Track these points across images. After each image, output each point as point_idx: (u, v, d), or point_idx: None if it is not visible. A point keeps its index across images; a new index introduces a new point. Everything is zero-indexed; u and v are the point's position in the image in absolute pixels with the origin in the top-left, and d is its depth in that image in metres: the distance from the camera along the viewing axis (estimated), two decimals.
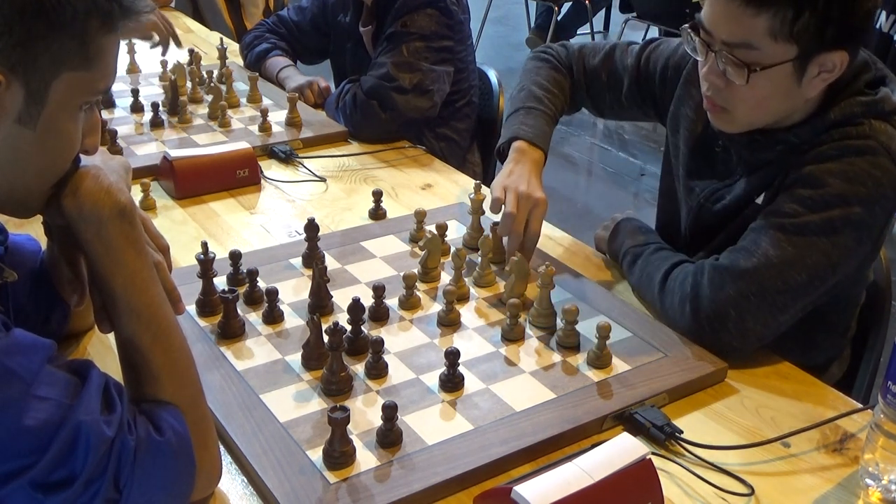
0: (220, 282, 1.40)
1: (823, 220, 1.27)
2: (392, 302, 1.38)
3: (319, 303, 1.36)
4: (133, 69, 2.47)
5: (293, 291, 1.42)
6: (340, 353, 1.18)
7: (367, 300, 1.34)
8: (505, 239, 1.50)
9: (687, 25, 1.34)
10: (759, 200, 1.38)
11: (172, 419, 0.94)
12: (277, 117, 2.12)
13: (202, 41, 2.85)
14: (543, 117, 1.62)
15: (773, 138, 1.35)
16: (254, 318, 1.34)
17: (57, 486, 0.84)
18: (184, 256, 1.52)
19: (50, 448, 0.83)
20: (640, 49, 1.63)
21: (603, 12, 6.23)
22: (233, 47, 2.66)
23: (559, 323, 1.33)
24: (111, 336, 1.01)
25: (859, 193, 1.27)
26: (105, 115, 2.10)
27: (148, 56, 2.53)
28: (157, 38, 2.45)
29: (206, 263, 1.35)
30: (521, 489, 0.93)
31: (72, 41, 0.88)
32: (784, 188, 1.32)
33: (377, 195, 1.71)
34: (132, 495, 0.88)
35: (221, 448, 1.05)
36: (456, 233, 1.62)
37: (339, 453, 1.05)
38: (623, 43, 1.67)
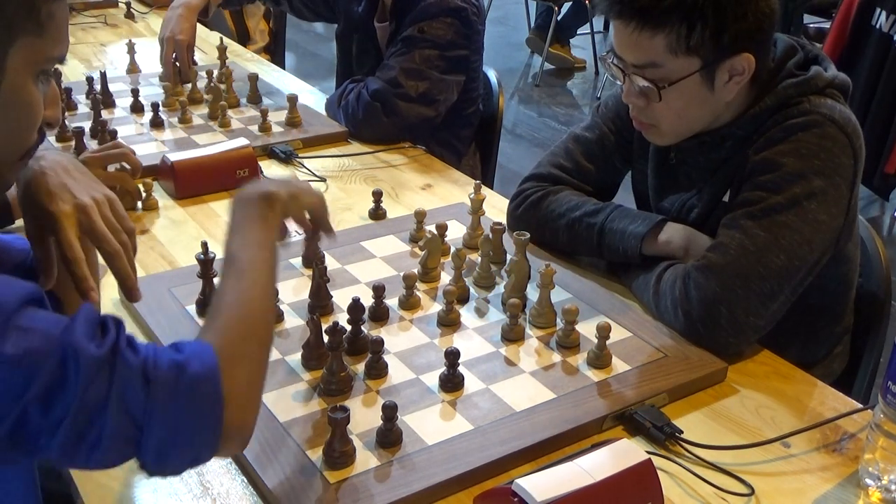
0: None
1: (787, 198, 1.30)
2: (392, 302, 1.38)
3: (319, 303, 1.36)
4: (133, 69, 2.47)
5: (293, 291, 1.42)
6: (340, 353, 1.18)
7: (367, 300, 1.34)
8: (505, 237, 1.50)
9: (604, 54, 1.41)
10: (726, 198, 1.41)
11: (200, 350, 0.87)
12: (277, 117, 2.12)
13: (202, 41, 2.85)
14: (623, 210, 1.49)
15: (718, 135, 1.40)
16: None
17: (56, 418, 0.80)
18: (184, 256, 1.53)
19: (38, 377, 0.79)
20: (596, 119, 1.62)
21: None
22: (233, 47, 2.66)
23: (559, 323, 1.33)
24: None
25: (815, 166, 1.31)
26: (105, 115, 2.10)
27: (148, 56, 2.53)
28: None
29: (206, 263, 1.35)
30: (522, 482, 0.93)
31: (21, 8, 0.88)
32: (744, 180, 1.36)
33: (377, 195, 1.71)
34: (153, 425, 0.82)
35: None
36: (456, 233, 1.62)
37: (339, 453, 1.05)
38: (571, 135, 1.64)
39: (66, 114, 2.08)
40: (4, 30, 0.88)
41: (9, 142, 0.94)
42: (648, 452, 1.03)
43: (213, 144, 1.94)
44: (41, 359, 0.79)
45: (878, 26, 3.49)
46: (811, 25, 4.61)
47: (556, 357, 1.28)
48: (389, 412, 1.07)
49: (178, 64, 2.30)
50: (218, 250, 1.44)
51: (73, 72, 2.46)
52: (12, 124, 0.93)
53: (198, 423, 0.86)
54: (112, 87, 2.21)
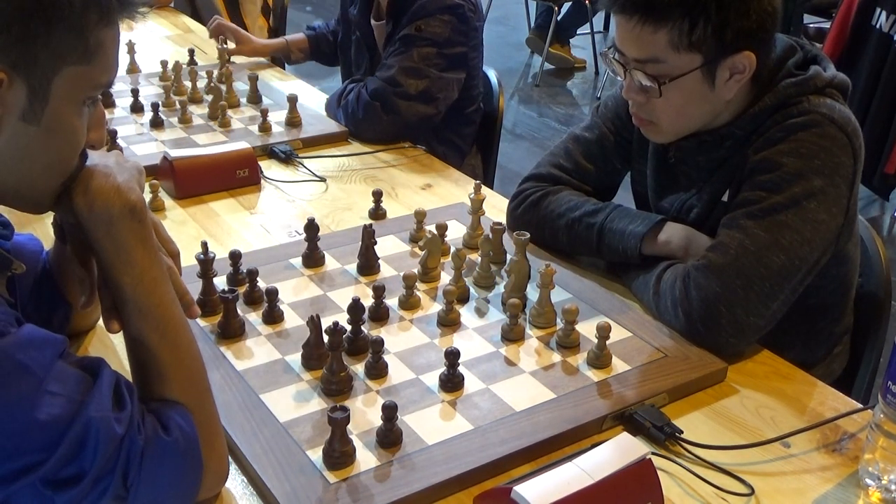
0: (220, 282, 1.40)
1: (787, 198, 1.30)
2: (392, 302, 1.38)
3: (368, 263, 1.46)
4: (133, 69, 2.47)
5: (293, 291, 1.42)
6: (340, 353, 1.18)
7: (367, 300, 1.34)
8: (505, 237, 1.51)
9: (606, 49, 1.41)
10: (725, 198, 1.41)
11: (180, 419, 0.94)
12: (277, 117, 2.12)
13: (202, 41, 2.85)
14: (622, 209, 1.49)
15: (717, 135, 1.40)
16: (254, 318, 1.34)
17: (66, 483, 0.84)
18: (184, 256, 1.52)
19: (60, 444, 0.83)
20: (596, 119, 1.62)
21: (603, 12, 6.23)
22: (233, 47, 2.65)
23: (559, 323, 1.33)
24: (111, 336, 1.01)
25: (815, 166, 1.31)
26: (105, 114, 2.10)
27: (148, 56, 2.53)
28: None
29: (206, 263, 1.35)
30: (521, 489, 0.92)
31: (71, 36, 0.88)
32: (744, 179, 1.36)
33: (377, 195, 1.71)
34: (139, 494, 0.88)
35: None
36: (456, 233, 1.62)
37: (339, 453, 1.05)
38: (571, 135, 1.65)
39: None
40: (50, 59, 0.87)
41: (49, 167, 0.94)
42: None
43: (213, 144, 1.94)
44: (65, 427, 0.84)
45: (878, 26, 3.49)
46: (811, 25, 4.61)
47: (556, 357, 1.28)
48: (389, 412, 1.07)
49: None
50: (218, 250, 1.45)
51: None
52: (54, 151, 0.93)
53: (180, 486, 0.94)
54: (112, 87, 2.21)
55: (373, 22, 2.25)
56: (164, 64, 2.37)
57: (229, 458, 1.05)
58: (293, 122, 2.10)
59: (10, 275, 0.99)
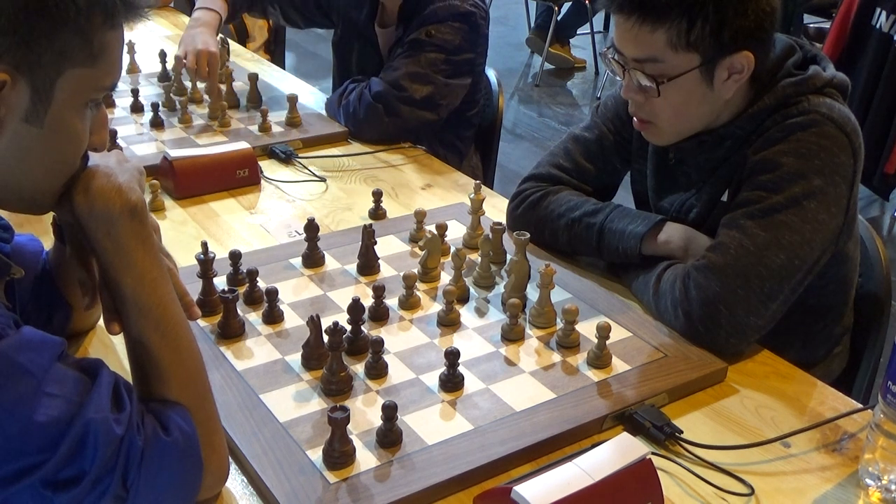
0: (220, 282, 1.40)
1: (786, 198, 1.30)
2: (392, 302, 1.38)
3: (368, 263, 1.46)
4: (133, 69, 2.47)
5: (293, 291, 1.42)
6: (340, 353, 1.18)
7: (367, 300, 1.34)
8: (505, 237, 1.51)
9: (605, 49, 1.41)
10: (725, 198, 1.42)
11: (180, 419, 0.94)
12: (277, 117, 2.12)
13: None
14: (622, 210, 1.49)
15: (717, 135, 1.40)
16: (254, 318, 1.34)
17: (66, 484, 0.84)
18: (184, 256, 1.52)
19: (60, 446, 0.83)
20: (595, 119, 1.62)
21: (603, 12, 6.23)
22: (233, 47, 2.66)
23: (559, 323, 1.33)
24: (111, 336, 1.01)
25: (814, 166, 1.31)
26: None
27: (148, 56, 2.53)
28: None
29: (206, 263, 1.35)
30: (520, 489, 0.93)
31: (75, 38, 0.88)
32: (743, 179, 1.36)
33: (377, 195, 1.71)
34: (139, 494, 0.88)
35: None
36: (456, 233, 1.62)
37: (338, 453, 1.05)
38: (571, 135, 1.65)
39: None
40: (54, 60, 0.87)
41: (51, 168, 0.94)
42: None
43: (213, 144, 1.94)
44: (64, 428, 0.84)
45: (878, 26, 3.49)
46: (811, 25, 4.62)
47: (556, 357, 1.28)
48: (389, 412, 1.07)
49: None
50: (218, 250, 1.45)
51: None
52: (56, 153, 0.93)
53: (180, 486, 0.94)
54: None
55: (377, 29, 2.24)
56: (162, 56, 2.37)
57: (229, 458, 1.06)
58: (293, 122, 2.10)
59: (8, 279, 0.99)
